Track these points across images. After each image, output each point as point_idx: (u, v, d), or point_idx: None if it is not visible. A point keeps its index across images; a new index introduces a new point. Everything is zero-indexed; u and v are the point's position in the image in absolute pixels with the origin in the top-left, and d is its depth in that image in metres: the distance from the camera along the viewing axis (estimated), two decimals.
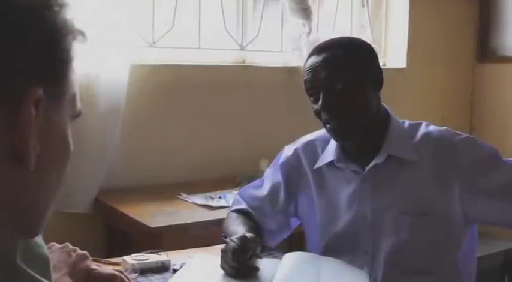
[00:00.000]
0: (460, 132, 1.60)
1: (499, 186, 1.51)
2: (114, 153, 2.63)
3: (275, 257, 1.65)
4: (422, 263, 1.55)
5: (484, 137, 3.60)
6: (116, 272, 1.30)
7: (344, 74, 1.50)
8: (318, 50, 1.55)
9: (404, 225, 1.53)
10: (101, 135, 2.55)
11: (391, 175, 1.56)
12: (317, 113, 1.54)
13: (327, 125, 1.54)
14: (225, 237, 1.54)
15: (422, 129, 1.59)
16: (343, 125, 1.53)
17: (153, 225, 2.19)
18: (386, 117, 1.59)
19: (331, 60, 1.51)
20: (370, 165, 1.55)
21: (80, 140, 2.39)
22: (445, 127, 1.61)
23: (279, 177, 1.73)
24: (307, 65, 1.55)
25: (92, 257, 1.34)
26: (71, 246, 1.29)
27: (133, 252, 1.64)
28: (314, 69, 1.52)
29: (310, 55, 1.56)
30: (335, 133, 1.55)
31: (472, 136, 1.61)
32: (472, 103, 3.89)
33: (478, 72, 3.85)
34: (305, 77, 1.55)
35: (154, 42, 2.88)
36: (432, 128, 1.60)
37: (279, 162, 1.74)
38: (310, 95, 1.55)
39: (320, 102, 1.51)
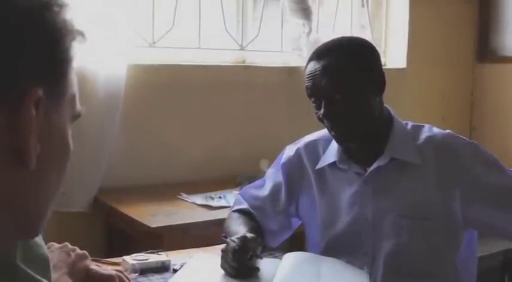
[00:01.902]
0: (464, 137, 1.60)
1: (499, 194, 1.51)
2: (114, 153, 2.63)
3: (275, 257, 1.65)
4: (422, 265, 1.55)
5: (484, 137, 3.60)
6: (114, 273, 1.30)
7: (344, 83, 1.49)
8: (317, 55, 1.53)
9: (404, 228, 1.53)
10: (99, 134, 2.56)
11: (393, 177, 1.55)
12: (320, 119, 1.54)
13: (331, 132, 1.54)
14: (226, 237, 1.54)
15: (426, 132, 1.59)
16: (347, 132, 1.53)
17: (153, 225, 2.19)
18: (389, 118, 1.59)
19: (330, 69, 1.49)
20: (373, 167, 1.55)
21: (78, 139, 2.39)
22: (448, 130, 1.61)
23: (280, 178, 1.73)
24: (307, 71, 1.54)
25: (91, 256, 1.33)
26: (70, 246, 1.29)
27: (133, 252, 1.64)
28: (314, 77, 1.51)
29: (310, 60, 1.54)
30: (339, 139, 1.55)
31: (474, 142, 1.61)
32: (472, 103, 3.89)
33: (478, 72, 3.85)
34: (306, 84, 1.54)
35: (154, 42, 2.88)
36: (436, 130, 1.59)
37: (281, 163, 1.74)
38: (312, 101, 1.55)
39: (322, 110, 1.51)
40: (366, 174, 1.56)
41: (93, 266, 1.30)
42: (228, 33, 3.09)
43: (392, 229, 1.54)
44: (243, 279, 1.44)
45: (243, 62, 3.14)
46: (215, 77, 2.97)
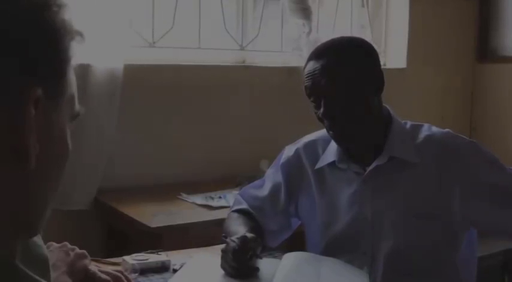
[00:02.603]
0: (463, 136, 1.59)
1: (500, 192, 1.51)
2: (114, 153, 2.64)
3: (275, 257, 1.65)
4: (422, 264, 1.54)
5: (484, 137, 3.60)
6: (110, 277, 1.30)
7: (344, 82, 1.49)
8: (316, 55, 1.53)
9: (404, 228, 1.53)
10: (99, 134, 2.56)
11: (393, 177, 1.55)
12: (320, 119, 1.54)
13: (330, 131, 1.54)
14: (226, 237, 1.54)
15: (425, 131, 1.58)
16: (346, 131, 1.52)
17: (153, 225, 2.19)
18: (388, 118, 1.59)
19: (330, 68, 1.49)
20: (371, 166, 1.55)
21: (78, 138, 2.40)
22: (447, 129, 1.61)
23: (279, 178, 1.73)
24: (306, 71, 1.53)
25: (91, 256, 1.34)
26: (69, 245, 1.29)
27: (134, 252, 1.64)
28: (313, 77, 1.51)
29: (309, 59, 1.54)
30: (338, 139, 1.55)
31: (474, 140, 1.60)
32: (472, 103, 3.89)
33: (478, 72, 3.85)
34: (305, 83, 1.54)
35: (154, 42, 2.88)
36: (435, 129, 1.59)
37: (280, 163, 1.74)
38: (311, 101, 1.55)
39: (322, 109, 1.51)
40: (365, 173, 1.56)
41: (92, 267, 1.30)
42: (228, 33, 3.09)
43: (391, 228, 1.54)
44: (243, 279, 1.44)
45: (243, 62, 3.14)
46: (215, 77, 2.97)
